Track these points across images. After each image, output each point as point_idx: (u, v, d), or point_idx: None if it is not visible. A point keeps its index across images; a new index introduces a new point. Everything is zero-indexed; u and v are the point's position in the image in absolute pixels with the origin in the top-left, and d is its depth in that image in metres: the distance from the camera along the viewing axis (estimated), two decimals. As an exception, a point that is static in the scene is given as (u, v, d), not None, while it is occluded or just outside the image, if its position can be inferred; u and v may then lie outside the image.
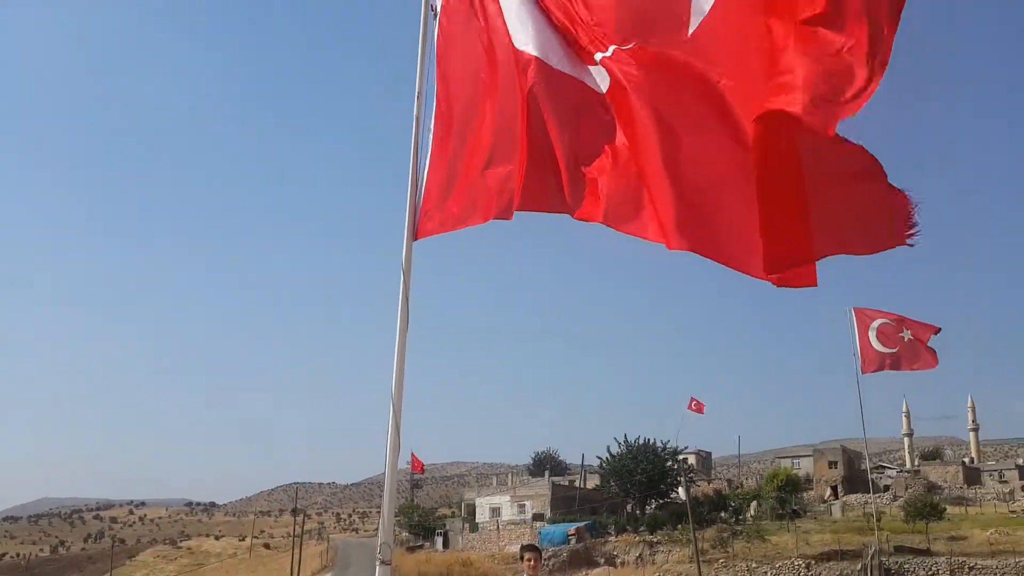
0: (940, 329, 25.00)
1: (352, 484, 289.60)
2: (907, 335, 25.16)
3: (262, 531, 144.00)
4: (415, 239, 4.04)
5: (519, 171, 3.71)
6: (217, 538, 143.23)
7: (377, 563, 3.92)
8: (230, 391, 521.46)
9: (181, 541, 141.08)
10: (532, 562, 6.76)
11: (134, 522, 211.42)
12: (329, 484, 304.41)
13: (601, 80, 3.58)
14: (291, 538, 69.01)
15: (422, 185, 4.07)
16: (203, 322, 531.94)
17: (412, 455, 70.27)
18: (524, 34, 3.77)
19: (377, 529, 4.04)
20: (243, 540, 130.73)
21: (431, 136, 4.09)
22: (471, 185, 3.90)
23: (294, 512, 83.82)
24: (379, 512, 4.06)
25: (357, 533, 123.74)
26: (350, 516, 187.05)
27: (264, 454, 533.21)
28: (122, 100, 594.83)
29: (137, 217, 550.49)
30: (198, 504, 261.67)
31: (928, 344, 25.00)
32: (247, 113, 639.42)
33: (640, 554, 55.90)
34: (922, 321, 25.20)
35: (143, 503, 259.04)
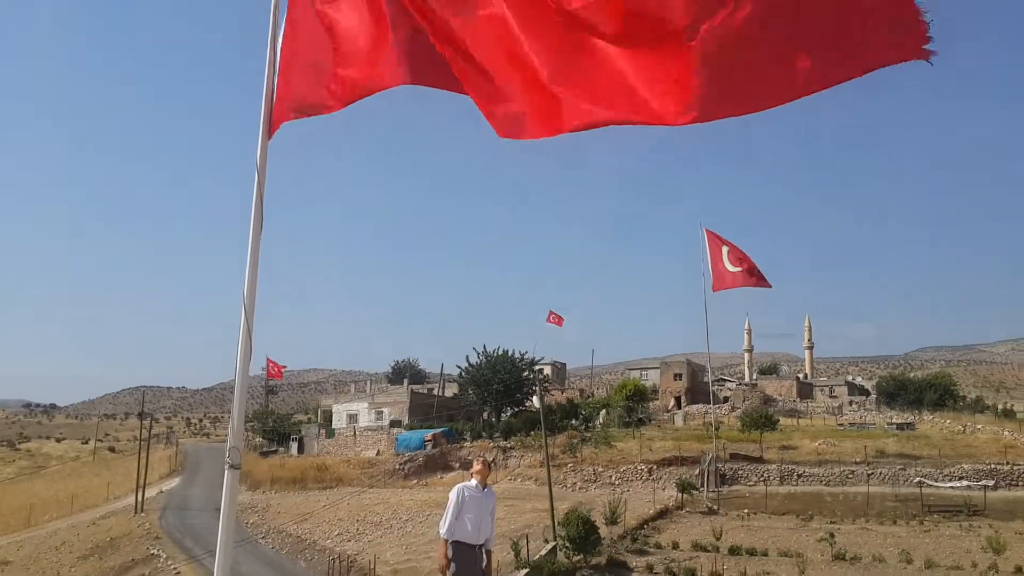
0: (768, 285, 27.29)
1: (204, 389, 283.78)
2: (745, 261, 26.91)
3: (107, 434, 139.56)
4: (271, 135, 3.88)
5: (385, 51, 3.56)
6: (58, 440, 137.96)
7: (226, 467, 3.88)
8: (73, 290, 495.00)
9: (20, 443, 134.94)
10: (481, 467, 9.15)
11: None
12: (179, 388, 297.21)
13: None
14: (138, 442, 67.15)
15: (276, 77, 3.90)
16: (43, 219, 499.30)
17: (268, 360, 69.21)
18: None
19: (228, 434, 3.97)
20: (86, 443, 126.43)
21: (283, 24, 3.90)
22: (327, 73, 3.76)
23: (140, 415, 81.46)
24: (230, 417, 4.00)
25: (208, 438, 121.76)
26: (200, 421, 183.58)
27: (108, 356, 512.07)
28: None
29: None
30: (37, 406, 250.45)
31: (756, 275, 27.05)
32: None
33: (494, 459, 57.68)
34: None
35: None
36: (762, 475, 47.95)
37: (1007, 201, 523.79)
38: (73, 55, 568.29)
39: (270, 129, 3.89)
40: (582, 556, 29.04)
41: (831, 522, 37.61)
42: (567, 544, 29.23)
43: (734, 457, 50.52)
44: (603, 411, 69.32)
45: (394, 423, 71.67)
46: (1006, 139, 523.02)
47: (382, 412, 75.39)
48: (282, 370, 71.70)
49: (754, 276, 26.90)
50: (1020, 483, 44.68)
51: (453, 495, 8.89)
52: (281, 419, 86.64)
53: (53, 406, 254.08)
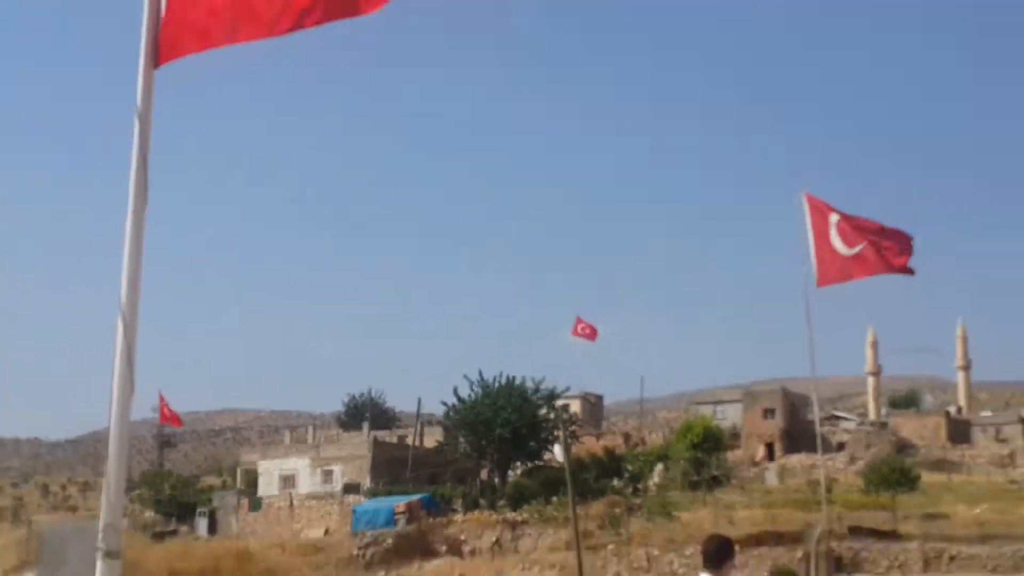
0: (912, 240, 26.35)
1: (67, 441, 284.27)
2: (874, 235, 26.36)
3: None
4: (156, 66, 3.91)
5: None
6: None
7: (99, 555, 3.89)
8: None
9: None
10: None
11: None
12: (29, 441, 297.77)
13: None
14: (-28, 521, 67.32)
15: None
16: None
17: (161, 399, 69.22)
18: None
19: (101, 508, 3.98)
20: None
21: None
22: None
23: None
24: (104, 483, 4.01)
25: (75, 512, 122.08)
26: (64, 488, 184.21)
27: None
28: None
29: None
30: None
31: (905, 243, 26.32)
32: None
33: (498, 538, 57.67)
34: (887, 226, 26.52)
35: None
36: (897, 558, 47.83)
37: None
38: None
39: (155, 57, 3.91)
40: None
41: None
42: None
43: (854, 532, 50.39)
44: (659, 466, 69.25)
45: (349, 487, 71.68)
46: None
47: (331, 471, 75.43)
48: (178, 415, 71.73)
49: (884, 259, 26.54)
50: None
51: None
52: (182, 484, 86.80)
53: None
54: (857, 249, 27.18)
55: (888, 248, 28.13)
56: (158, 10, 3.94)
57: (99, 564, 3.86)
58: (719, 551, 8.98)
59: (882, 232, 27.83)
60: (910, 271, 27.65)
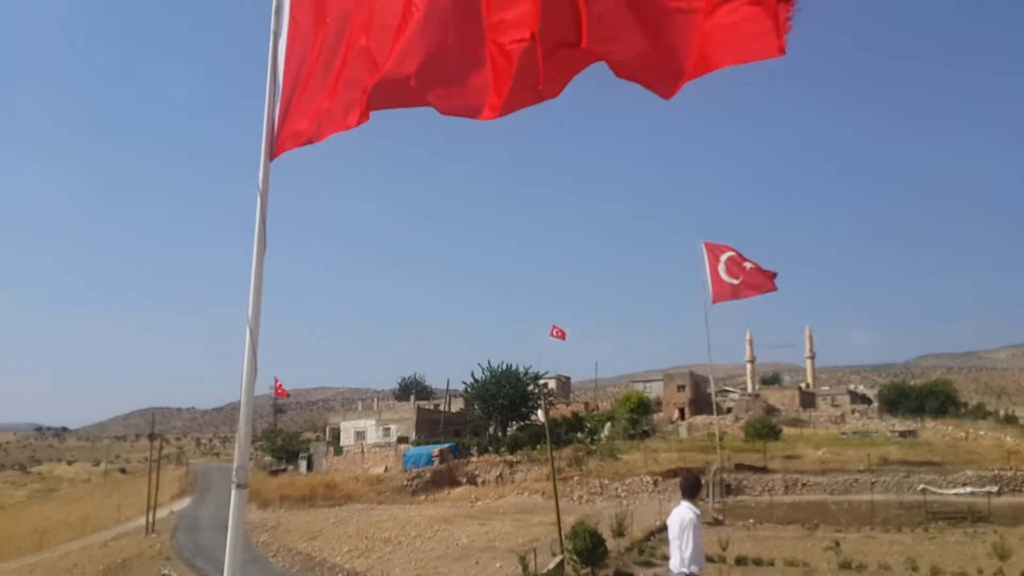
0: (776, 273, 26.52)
1: (213, 409, 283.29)
2: (749, 264, 26.48)
3: (117, 456, 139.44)
4: (272, 158, 3.91)
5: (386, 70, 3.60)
6: (70, 463, 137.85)
7: (233, 486, 3.87)
8: (80, 313, 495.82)
9: (31, 467, 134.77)
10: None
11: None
12: (189, 409, 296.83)
13: None
14: (148, 463, 67.04)
15: (278, 102, 3.92)
16: (47, 238, 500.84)
17: (276, 381, 69.15)
18: None
19: (235, 453, 3.97)
20: (98, 465, 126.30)
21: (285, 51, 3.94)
22: (328, 97, 3.80)
23: (151, 436, 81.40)
24: (236, 436, 3.99)
25: (218, 458, 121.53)
26: (211, 441, 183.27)
27: (118, 378, 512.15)
28: None
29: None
30: (49, 429, 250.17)
31: (765, 270, 26.44)
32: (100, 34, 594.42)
33: (500, 473, 57.52)
34: (762, 269, 26.68)
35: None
36: (767, 485, 47.70)
37: (1004, 205, 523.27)
38: (72, 99, 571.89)
39: (272, 151, 3.91)
40: (590, 569, 28.89)
41: (836, 531, 37.35)
42: (575, 557, 29.08)
43: (739, 468, 50.29)
44: (608, 424, 69.13)
45: (401, 439, 71.50)
46: (1007, 146, 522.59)
47: (389, 429, 75.23)
48: (287, 391, 71.70)
49: (753, 285, 26.67)
50: (1024, 488, 44.41)
51: (696, 522, 8.61)
52: (290, 437, 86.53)
53: (64, 429, 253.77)
54: (739, 280, 27.37)
55: (759, 281, 28.26)
56: (272, 125, 3.94)
57: (233, 492, 3.86)
58: (693, 486, 9.08)
59: (757, 271, 27.98)
60: (772, 287, 27.75)
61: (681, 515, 8.70)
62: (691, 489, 9.02)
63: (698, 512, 8.72)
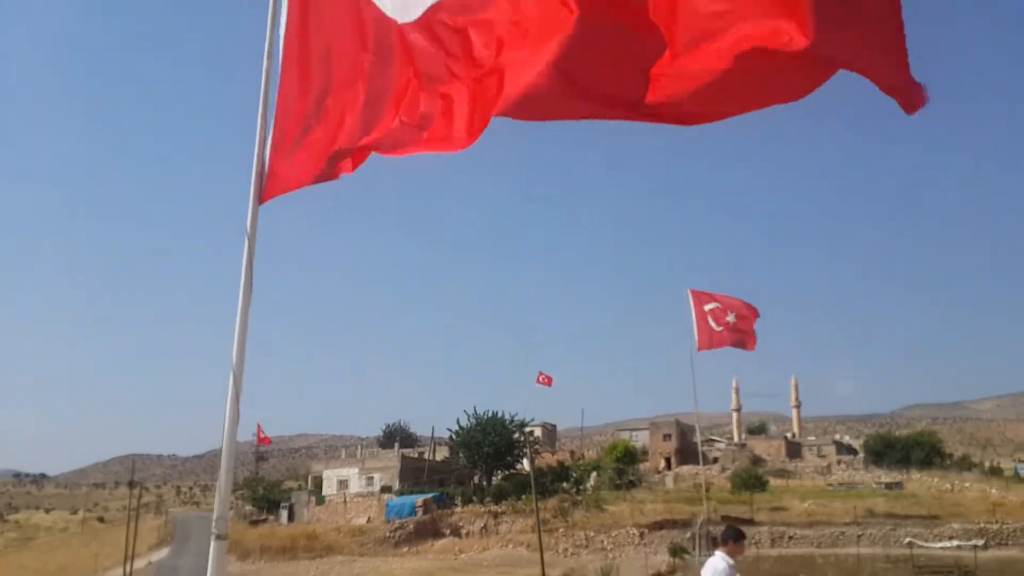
0: (759, 314, 26.57)
1: (194, 456, 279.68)
2: (731, 317, 26.56)
3: (96, 504, 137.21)
4: (261, 201, 3.87)
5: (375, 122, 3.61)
6: (47, 511, 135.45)
7: (212, 538, 3.76)
8: (59, 356, 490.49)
9: (8, 514, 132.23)
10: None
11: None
12: (169, 456, 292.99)
13: None
14: (127, 512, 65.85)
15: (268, 146, 3.90)
16: (31, 286, 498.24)
17: (258, 427, 68.40)
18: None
19: (215, 503, 3.87)
20: (76, 513, 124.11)
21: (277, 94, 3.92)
22: (320, 142, 3.78)
23: (131, 484, 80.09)
24: (217, 486, 3.90)
25: (198, 507, 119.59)
26: (191, 489, 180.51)
27: (100, 423, 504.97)
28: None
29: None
30: (27, 475, 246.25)
31: (751, 326, 26.48)
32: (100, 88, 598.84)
33: (485, 524, 56.78)
34: (745, 301, 26.65)
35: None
36: (753, 538, 47.16)
37: (989, 259, 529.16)
38: (68, 125, 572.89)
39: (261, 194, 3.88)
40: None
41: (824, 584, 36.99)
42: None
43: (725, 519, 49.78)
44: (594, 473, 68.59)
45: (385, 488, 70.59)
46: (989, 197, 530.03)
47: (372, 477, 74.29)
48: (269, 438, 70.93)
49: (736, 336, 26.65)
50: (1010, 542, 44.16)
51: (729, 572, 8.29)
52: (271, 486, 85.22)
53: (43, 475, 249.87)
54: (722, 328, 27.32)
55: (744, 329, 28.21)
56: (262, 168, 3.91)
57: (212, 543, 3.75)
58: (727, 533, 8.88)
59: (737, 324, 27.93)
60: (750, 348, 27.73)
61: (714, 565, 8.50)
62: (726, 537, 8.83)
63: (732, 562, 8.48)
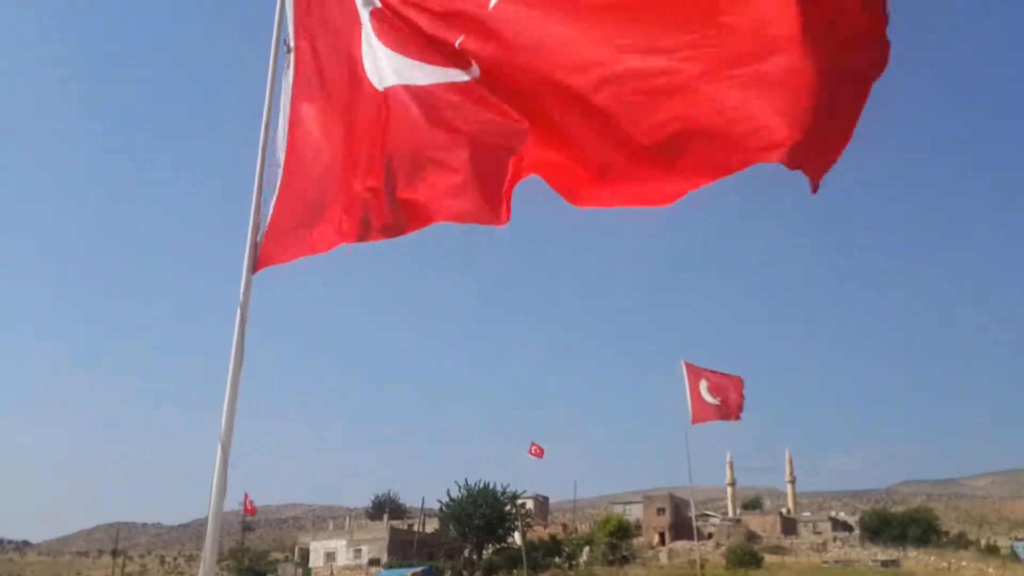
0: (744, 382, 26.65)
1: (179, 525, 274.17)
2: (716, 400, 26.77)
3: (79, 573, 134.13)
4: (255, 271, 3.89)
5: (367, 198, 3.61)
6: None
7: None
8: (44, 422, 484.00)
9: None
10: None
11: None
12: (154, 524, 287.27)
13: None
14: (109, 582, 64.39)
15: (264, 217, 3.93)
16: (15, 348, 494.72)
17: (245, 496, 67.33)
18: (381, 68, 3.62)
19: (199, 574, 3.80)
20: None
21: (280, 167, 3.96)
22: (309, 214, 3.81)
23: (114, 553, 78.44)
24: (202, 559, 3.84)
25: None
26: (175, 559, 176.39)
27: (84, 489, 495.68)
28: None
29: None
30: (9, 543, 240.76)
31: (739, 396, 26.52)
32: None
33: (474, 599, 55.55)
34: (729, 374, 26.69)
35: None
36: (749, 615, 46.31)
37: (984, 333, 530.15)
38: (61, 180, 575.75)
39: (255, 264, 3.89)
40: None
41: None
42: None
43: (720, 597, 48.92)
44: (587, 548, 67.39)
45: (373, 561, 69.20)
46: (985, 268, 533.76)
47: (360, 550, 72.90)
48: (256, 507, 69.80)
49: (727, 409, 26.61)
50: (1010, 622, 43.29)
51: None
52: (257, 557, 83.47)
53: (25, 542, 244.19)
54: (717, 401, 27.31)
55: (734, 400, 28.18)
56: (256, 240, 3.93)
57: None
58: None
59: (724, 403, 27.92)
60: (737, 418, 27.70)
61: None
62: None
63: None
